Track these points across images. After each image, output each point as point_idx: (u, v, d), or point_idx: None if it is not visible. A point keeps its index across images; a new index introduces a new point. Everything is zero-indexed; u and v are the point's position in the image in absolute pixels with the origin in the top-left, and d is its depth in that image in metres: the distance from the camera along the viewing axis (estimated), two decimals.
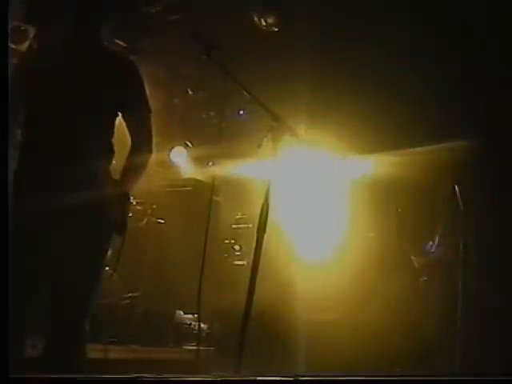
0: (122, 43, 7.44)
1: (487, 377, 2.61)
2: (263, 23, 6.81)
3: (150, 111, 3.59)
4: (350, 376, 2.41)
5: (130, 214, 3.64)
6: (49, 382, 3.03)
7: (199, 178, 8.62)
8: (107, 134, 3.45)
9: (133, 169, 3.50)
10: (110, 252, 3.60)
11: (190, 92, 8.57)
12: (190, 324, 6.98)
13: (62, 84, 3.27)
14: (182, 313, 7.11)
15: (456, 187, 6.15)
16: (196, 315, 6.53)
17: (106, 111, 3.41)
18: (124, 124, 3.54)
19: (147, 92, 3.57)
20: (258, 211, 3.32)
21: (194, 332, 6.78)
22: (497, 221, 6.31)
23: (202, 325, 6.91)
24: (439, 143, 6.43)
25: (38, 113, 3.33)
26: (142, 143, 3.56)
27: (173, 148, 8.95)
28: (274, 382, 2.63)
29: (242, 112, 8.61)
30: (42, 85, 3.32)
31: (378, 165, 6.86)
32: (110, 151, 3.46)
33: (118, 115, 3.47)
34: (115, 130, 3.50)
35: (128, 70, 3.50)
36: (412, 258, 6.65)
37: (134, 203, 7.24)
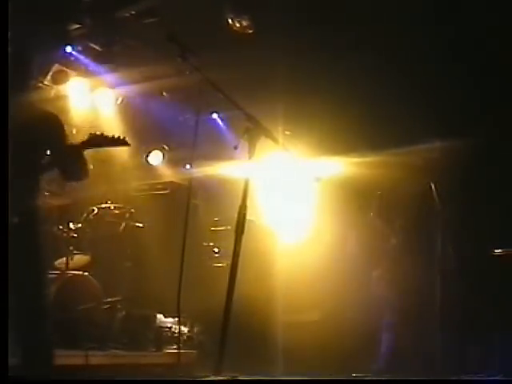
0: (96, 47, 7.43)
1: (485, 377, 2.65)
2: (238, 25, 6.81)
3: None
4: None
5: None
6: (48, 382, 3.04)
7: (177, 181, 8.61)
8: None
9: None
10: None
11: (166, 95, 8.56)
12: (171, 327, 6.97)
13: None
14: (162, 316, 7.10)
15: (432, 186, 6.20)
16: (177, 319, 6.54)
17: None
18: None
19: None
20: (236, 213, 3.33)
21: (175, 335, 6.77)
22: (474, 219, 6.37)
23: (183, 328, 6.92)
24: (416, 144, 6.47)
25: None
26: None
27: (150, 152, 8.93)
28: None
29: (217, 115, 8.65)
30: None
31: (355, 166, 6.90)
32: None
33: None
34: None
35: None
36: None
37: (112, 207, 7.24)
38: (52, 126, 4.10)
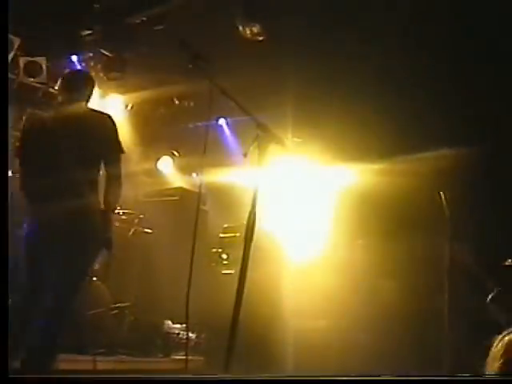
0: (107, 53, 7.46)
1: (487, 377, 2.61)
2: (248, 33, 6.82)
3: (122, 152, 4.39)
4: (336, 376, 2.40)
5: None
6: (48, 382, 3.03)
7: (186, 187, 8.62)
8: (93, 174, 4.29)
9: (111, 196, 4.37)
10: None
11: (176, 101, 8.58)
12: (179, 334, 6.96)
13: (56, 137, 4.18)
14: (170, 323, 7.10)
15: (441, 193, 6.18)
16: (185, 325, 6.54)
17: (89, 158, 4.27)
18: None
19: (119, 136, 4.40)
20: (245, 220, 3.32)
21: (183, 342, 6.77)
22: (481, 226, 6.34)
23: (191, 334, 6.91)
24: (425, 152, 6.46)
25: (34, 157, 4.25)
26: (115, 175, 4.35)
27: (160, 158, 8.95)
28: (265, 381, 2.63)
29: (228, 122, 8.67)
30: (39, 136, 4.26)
31: (364, 173, 6.89)
32: (95, 187, 4.33)
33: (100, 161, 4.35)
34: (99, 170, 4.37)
35: (104, 125, 4.35)
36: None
37: (121, 213, 7.25)
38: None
